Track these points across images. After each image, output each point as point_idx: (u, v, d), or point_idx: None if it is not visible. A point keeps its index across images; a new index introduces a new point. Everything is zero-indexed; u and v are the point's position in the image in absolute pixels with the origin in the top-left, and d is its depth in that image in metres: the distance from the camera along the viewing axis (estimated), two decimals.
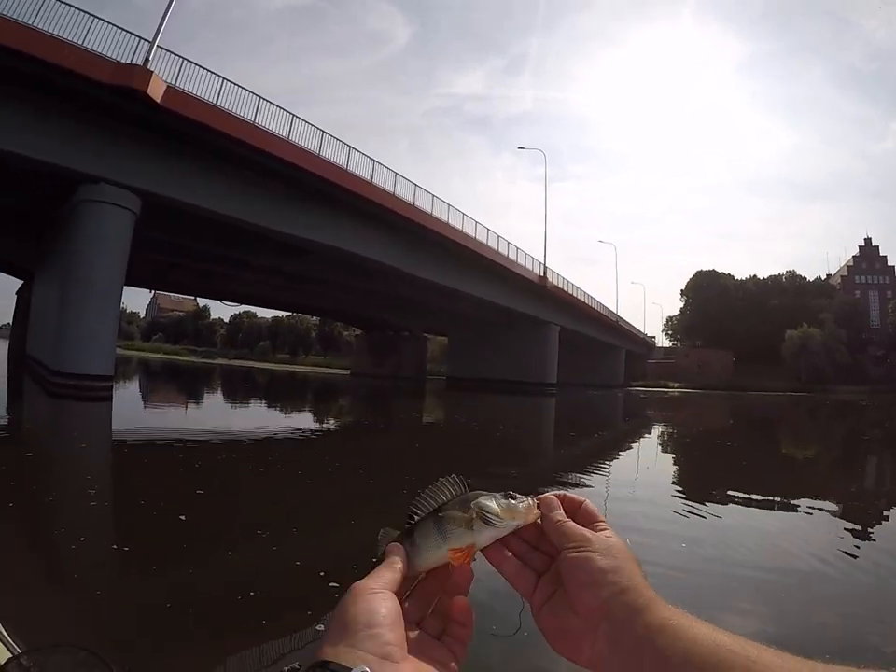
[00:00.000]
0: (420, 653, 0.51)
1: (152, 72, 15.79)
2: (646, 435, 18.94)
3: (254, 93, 19.23)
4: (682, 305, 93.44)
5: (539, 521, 0.59)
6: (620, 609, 0.49)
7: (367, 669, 0.45)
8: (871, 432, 22.34)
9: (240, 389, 30.82)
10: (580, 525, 0.57)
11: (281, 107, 20.19)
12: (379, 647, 0.47)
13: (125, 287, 19.05)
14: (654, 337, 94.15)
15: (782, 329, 71.62)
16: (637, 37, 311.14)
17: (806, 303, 76.62)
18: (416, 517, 0.60)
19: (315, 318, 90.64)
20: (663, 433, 19.75)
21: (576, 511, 0.59)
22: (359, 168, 23.34)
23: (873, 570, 4.99)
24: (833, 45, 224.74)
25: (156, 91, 15.75)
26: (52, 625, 3.02)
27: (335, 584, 3.86)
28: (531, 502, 0.59)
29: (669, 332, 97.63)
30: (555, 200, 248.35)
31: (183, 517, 5.44)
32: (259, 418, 17.22)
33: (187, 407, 20.14)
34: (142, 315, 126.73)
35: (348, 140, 22.96)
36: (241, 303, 59.81)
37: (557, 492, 0.61)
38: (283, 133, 20.00)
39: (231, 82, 18.52)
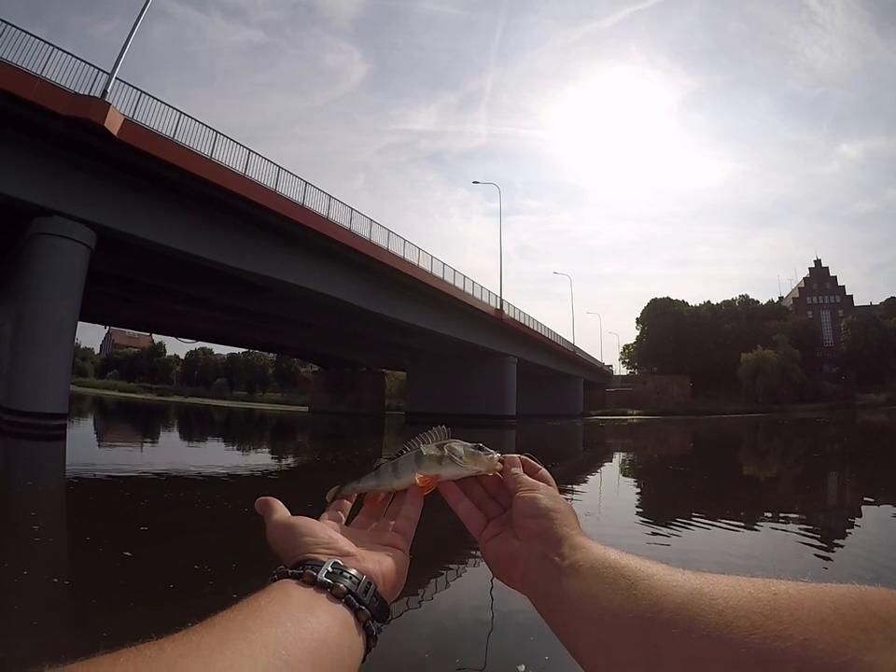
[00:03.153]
0: (372, 538, 0.64)
1: (110, 104, 15.64)
2: (606, 463, 18.99)
3: (211, 128, 19.27)
4: (638, 333, 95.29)
5: (499, 473, 0.70)
6: (554, 534, 0.59)
7: (339, 561, 0.54)
8: (829, 448, 22.80)
9: (196, 427, 30.18)
10: None
11: (238, 142, 20.24)
12: (334, 550, 0.57)
13: (79, 323, 18.64)
14: (612, 366, 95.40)
15: (737, 352, 73.70)
16: (590, 73, 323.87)
17: (760, 326, 79.20)
18: (406, 451, 0.74)
19: (271, 355, 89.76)
20: (623, 461, 19.81)
21: (533, 473, 0.69)
22: (316, 204, 23.46)
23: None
24: (777, 74, 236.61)
25: (113, 124, 15.61)
26: None
27: None
28: (495, 456, 0.69)
29: (626, 360, 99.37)
30: (511, 233, 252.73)
31: (128, 553, 5.40)
32: (212, 456, 16.90)
33: (142, 446, 19.64)
34: (96, 351, 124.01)
35: (306, 176, 23.05)
36: (197, 340, 58.96)
37: (521, 455, 0.71)
38: (240, 168, 19.99)
39: (189, 116, 18.56)
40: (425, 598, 4.79)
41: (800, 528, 7.40)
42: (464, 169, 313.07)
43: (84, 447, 16.69)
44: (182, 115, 18.33)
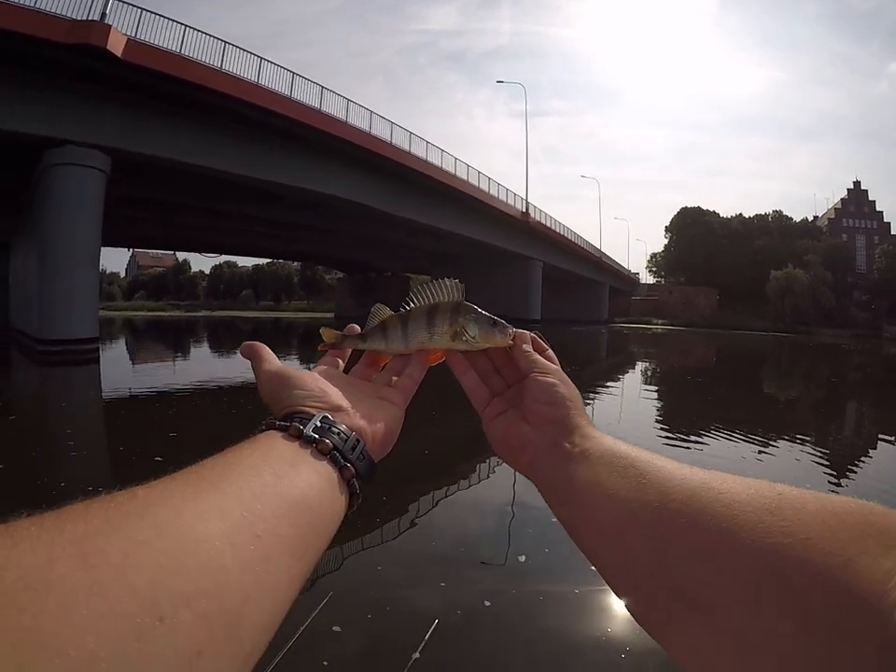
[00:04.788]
0: (370, 391, 0.63)
1: (110, 26, 15.26)
2: (629, 370, 19.06)
3: (219, 39, 18.66)
4: (667, 242, 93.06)
5: (508, 348, 0.66)
6: (568, 423, 0.57)
7: (328, 415, 0.53)
8: (853, 375, 22.18)
9: (224, 339, 30.54)
10: None
11: (248, 51, 19.62)
12: (325, 403, 0.55)
13: (103, 248, 18.88)
14: (638, 274, 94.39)
15: (767, 268, 71.08)
16: None
17: (792, 244, 76.18)
18: (412, 305, 0.70)
19: (296, 264, 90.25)
20: (646, 369, 19.73)
21: (540, 353, 0.66)
22: (333, 108, 22.90)
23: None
24: None
25: (116, 46, 15.24)
26: None
27: None
28: (509, 332, 0.66)
29: (653, 269, 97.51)
30: (537, 135, 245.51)
31: (159, 458, 5.60)
32: (239, 366, 17.19)
33: (174, 361, 20.01)
34: (122, 274, 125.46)
35: (322, 81, 22.41)
36: (221, 254, 59.31)
37: (531, 332, 0.68)
38: (252, 77, 19.50)
39: (195, 29, 17.96)
40: (444, 498, 4.94)
41: (814, 451, 7.34)
42: (487, 69, 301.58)
43: (117, 368, 17.08)
44: (187, 28, 17.79)
